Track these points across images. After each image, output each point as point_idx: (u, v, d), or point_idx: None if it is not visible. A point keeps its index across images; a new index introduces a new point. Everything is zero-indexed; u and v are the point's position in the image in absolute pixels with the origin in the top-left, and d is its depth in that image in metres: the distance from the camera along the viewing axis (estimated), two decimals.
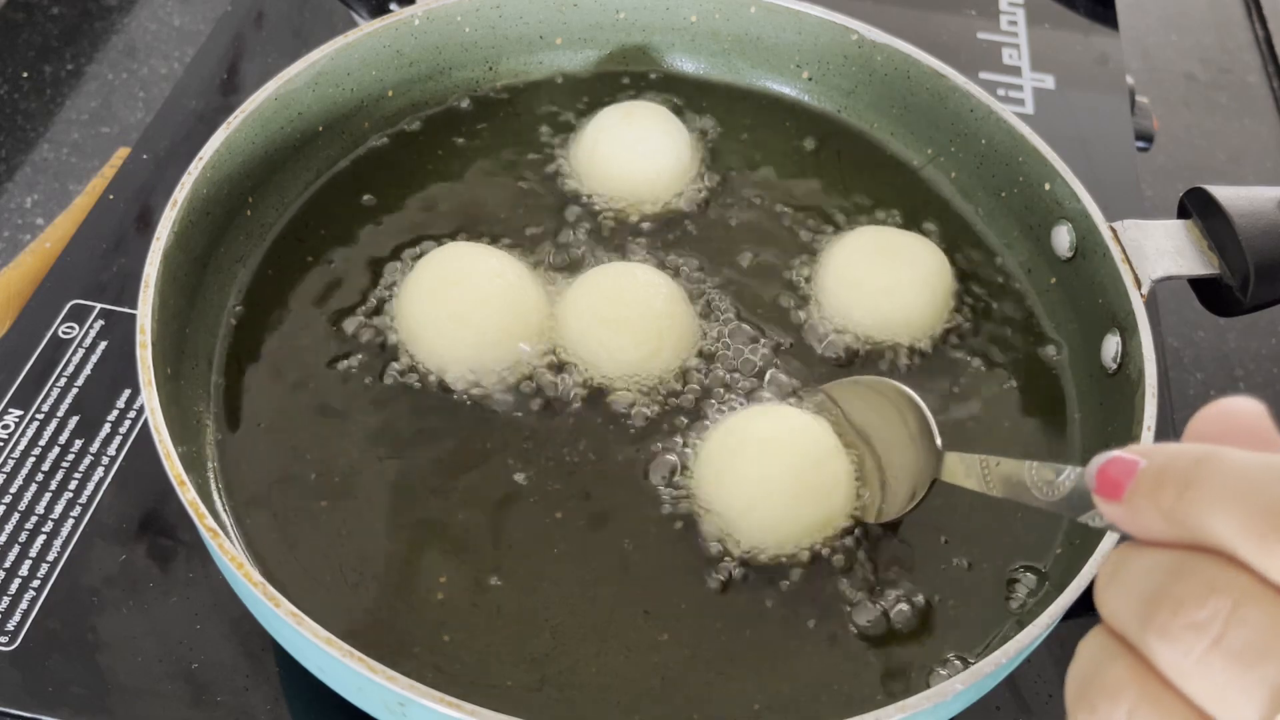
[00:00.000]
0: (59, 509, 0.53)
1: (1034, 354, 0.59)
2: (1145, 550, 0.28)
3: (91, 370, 0.58)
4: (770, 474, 0.50)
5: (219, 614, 0.50)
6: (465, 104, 0.66)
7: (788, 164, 0.66)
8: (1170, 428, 0.62)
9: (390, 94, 0.64)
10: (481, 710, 0.38)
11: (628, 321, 0.55)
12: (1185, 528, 0.27)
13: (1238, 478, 0.26)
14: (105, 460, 0.55)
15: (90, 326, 0.60)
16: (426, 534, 0.49)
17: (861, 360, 0.57)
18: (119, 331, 0.60)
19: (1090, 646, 0.29)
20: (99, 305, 0.61)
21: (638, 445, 0.53)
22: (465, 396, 0.53)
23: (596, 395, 0.54)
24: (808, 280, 0.60)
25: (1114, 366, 0.54)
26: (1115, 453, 0.30)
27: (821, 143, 0.67)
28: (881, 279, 0.58)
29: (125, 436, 0.56)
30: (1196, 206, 0.57)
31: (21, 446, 0.55)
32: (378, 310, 0.56)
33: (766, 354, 0.57)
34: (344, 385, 0.54)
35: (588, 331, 0.55)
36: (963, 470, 0.46)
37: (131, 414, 0.57)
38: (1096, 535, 0.46)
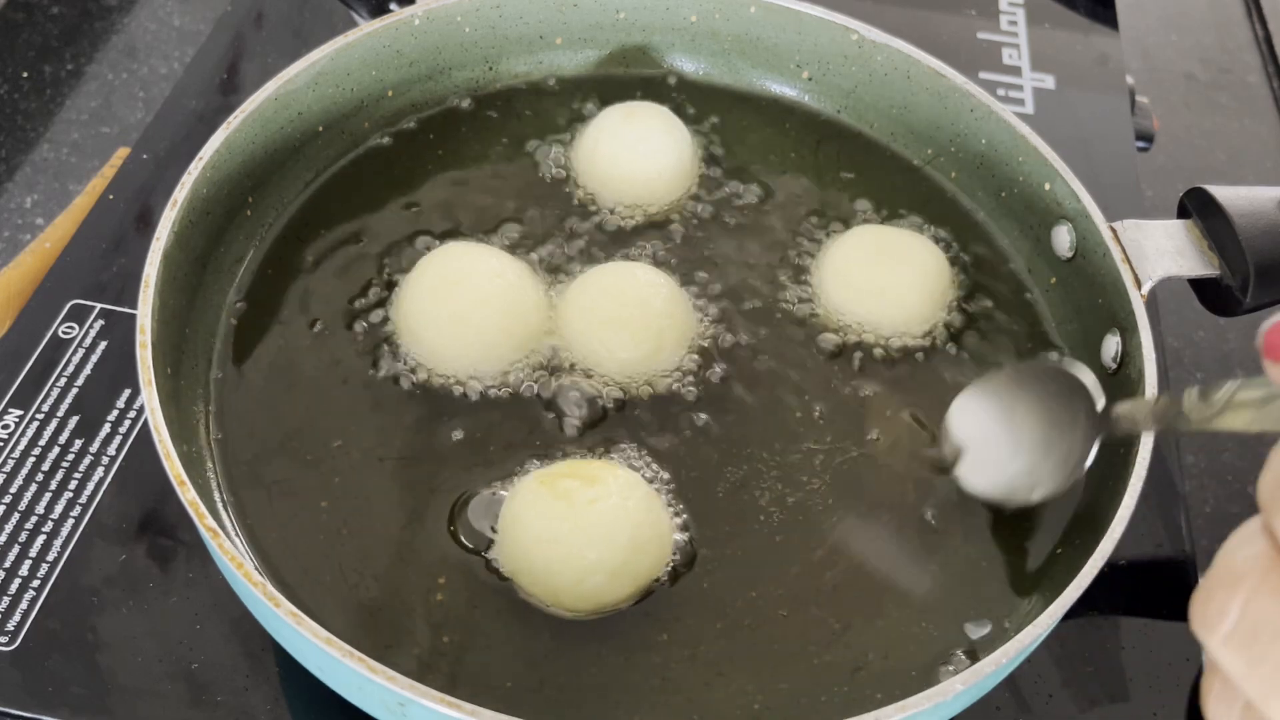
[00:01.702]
0: (59, 509, 0.53)
1: (1034, 354, 0.59)
2: None
3: (91, 370, 0.58)
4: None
5: (219, 614, 0.50)
6: (465, 104, 0.66)
7: (787, 164, 0.66)
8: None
9: (390, 94, 0.64)
10: (481, 710, 0.38)
11: (628, 321, 0.55)
12: None
13: None
14: (105, 460, 0.55)
15: (90, 326, 0.60)
16: (426, 534, 0.49)
17: (862, 358, 0.57)
18: (119, 331, 0.60)
19: None
20: (99, 305, 0.61)
21: (638, 445, 0.53)
22: (465, 396, 0.53)
23: (596, 395, 0.54)
24: (807, 279, 0.60)
25: (1114, 366, 0.54)
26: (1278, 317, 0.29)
27: (821, 143, 0.67)
28: (879, 278, 0.58)
29: (125, 436, 0.56)
30: (1196, 206, 0.57)
31: (21, 446, 0.55)
32: (378, 310, 0.56)
33: (766, 352, 0.57)
34: (344, 385, 0.54)
35: (588, 331, 0.55)
36: (1137, 417, 0.46)
37: (131, 414, 0.57)
38: (1096, 535, 0.46)
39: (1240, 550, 0.26)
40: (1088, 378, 0.49)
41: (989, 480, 0.52)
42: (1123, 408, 0.47)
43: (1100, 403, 0.48)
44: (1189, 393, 0.39)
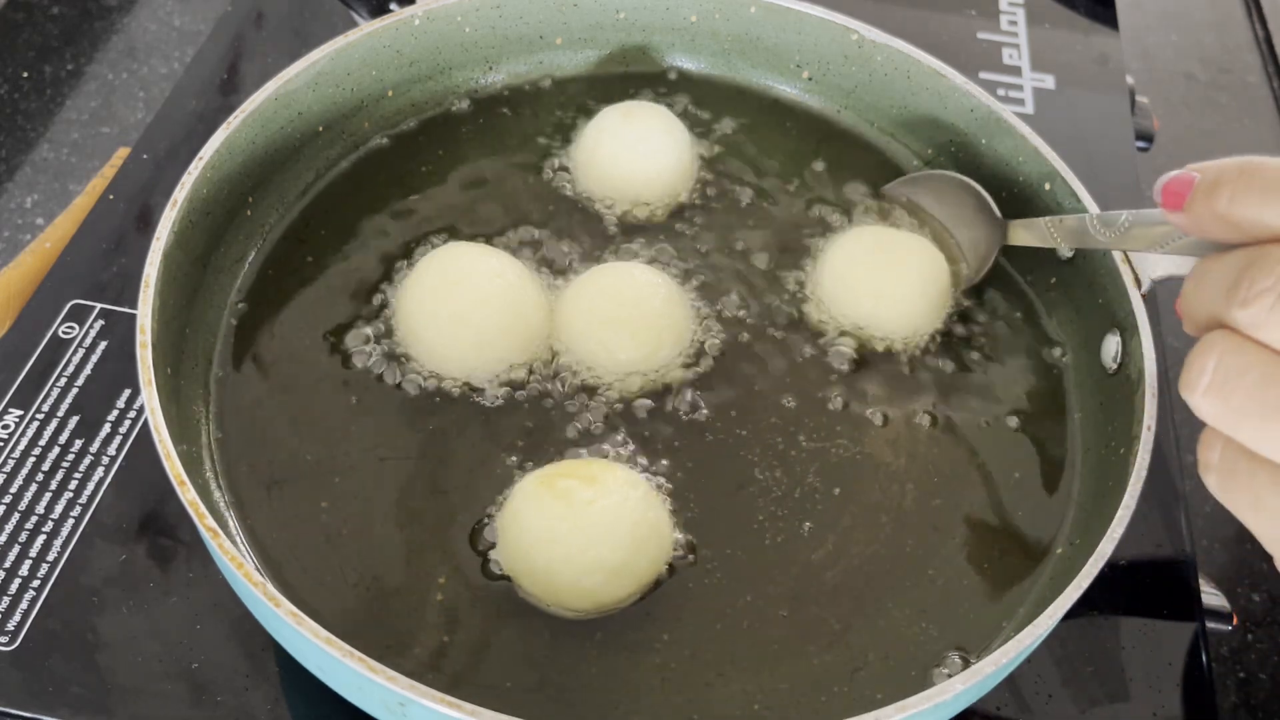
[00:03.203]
0: (59, 509, 0.53)
1: (1034, 353, 0.59)
2: (1218, 257, 0.36)
3: (91, 370, 0.58)
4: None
5: (219, 614, 0.50)
6: (465, 104, 0.66)
7: (788, 164, 0.66)
8: (1171, 427, 0.62)
9: (390, 94, 0.64)
10: (481, 710, 0.38)
11: (627, 321, 0.55)
12: (1240, 225, 0.35)
13: (1277, 177, 0.34)
14: (105, 460, 0.55)
15: (90, 326, 0.60)
16: (426, 534, 0.49)
17: (862, 358, 0.57)
18: (119, 331, 0.60)
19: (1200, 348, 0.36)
20: (99, 305, 0.61)
21: (638, 444, 0.53)
22: (465, 396, 0.53)
23: (596, 394, 0.54)
24: (806, 280, 0.60)
25: (1114, 366, 0.54)
26: (1172, 172, 0.38)
27: (821, 143, 0.67)
28: (878, 280, 0.58)
29: (125, 436, 0.56)
30: None
31: (21, 446, 0.55)
32: (378, 310, 0.56)
33: (765, 352, 0.57)
34: (344, 385, 0.54)
35: (587, 331, 0.55)
36: (1026, 234, 0.56)
37: (131, 414, 0.57)
38: (1096, 535, 0.46)
39: (1210, 332, 0.35)
40: (987, 194, 0.59)
41: None
42: (1017, 224, 0.57)
43: (998, 213, 0.59)
44: (1089, 217, 0.49)
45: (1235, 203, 0.35)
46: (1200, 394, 0.35)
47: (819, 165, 0.66)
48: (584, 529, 0.46)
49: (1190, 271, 0.38)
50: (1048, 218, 0.54)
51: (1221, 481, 0.36)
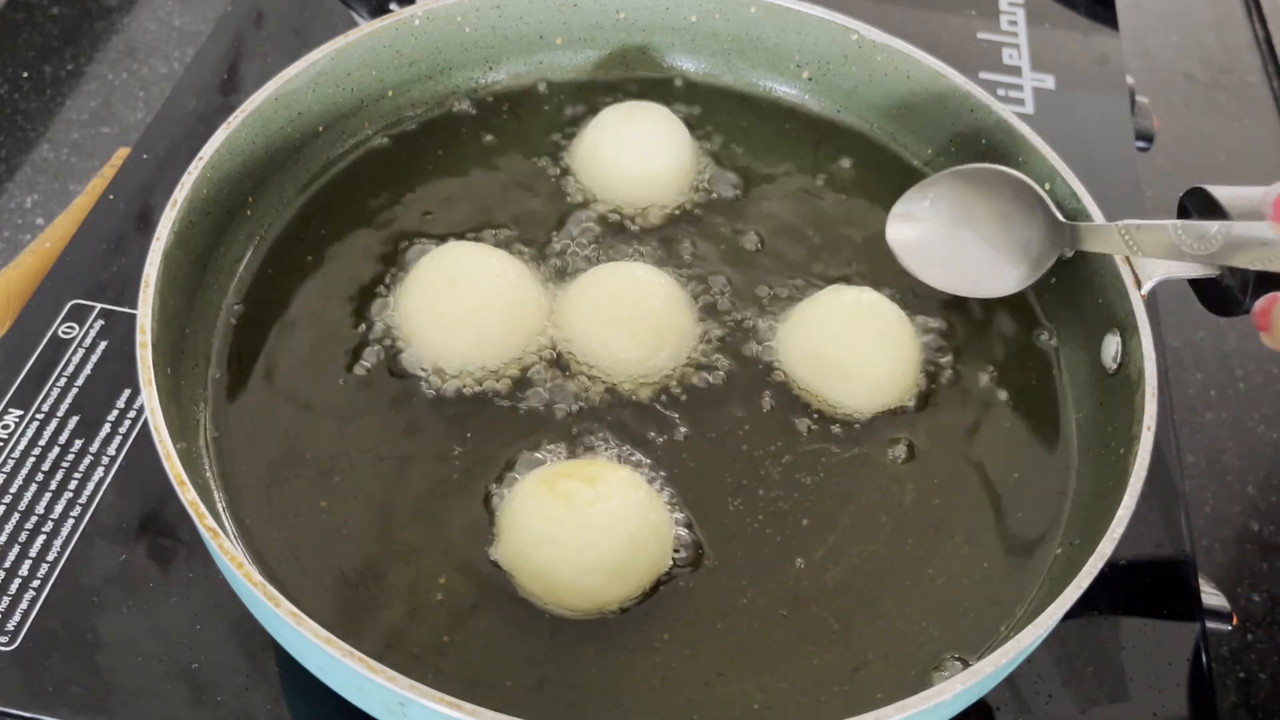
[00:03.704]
0: (59, 509, 0.53)
1: (1033, 353, 0.59)
2: None
3: (91, 370, 0.58)
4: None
5: (219, 614, 0.50)
6: (465, 104, 0.66)
7: (787, 164, 0.66)
8: (1171, 427, 0.62)
9: (390, 94, 0.64)
10: (481, 710, 0.38)
11: (628, 321, 0.55)
12: None
13: None
14: (105, 460, 0.55)
15: (90, 326, 0.60)
16: (426, 534, 0.49)
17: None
18: (119, 331, 0.60)
19: None
20: (99, 305, 0.61)
21: (637, 445, 0.53)
22: (465, 396, 0.53)
23: (597, 394, 0.54)
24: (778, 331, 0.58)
25: (1114, 366, 0.54)
26: None
27: (821, 143, 0.67)
28: (844, 364, 0.55)
29: (125, 436, 0.56)
30: (1196, 206, 0.57)
31: (21, 446, 0.55)
32: (378, 310, 0.56)
33: (767, 352, 0.57)
34: (344, 385, 0.54)
35: (588, 331, 0.55)
36: (1094, 240, 0.52)
37: (131, 414, 0.57)
38: (1096, 535, 0.46)
39: None
40: (1043, 191, 0.55)
41: (949, 274, 0.57)
42: (1084, 228, 0.53)
43: (1059, 214, 0.55)
44: (1173, 226, 0.45)
45: None
46: None
47: (819, 165, 0.66)
48: (584, 529, 0.46)
49: None
50: (1122, 223, 0.51)
51: None
